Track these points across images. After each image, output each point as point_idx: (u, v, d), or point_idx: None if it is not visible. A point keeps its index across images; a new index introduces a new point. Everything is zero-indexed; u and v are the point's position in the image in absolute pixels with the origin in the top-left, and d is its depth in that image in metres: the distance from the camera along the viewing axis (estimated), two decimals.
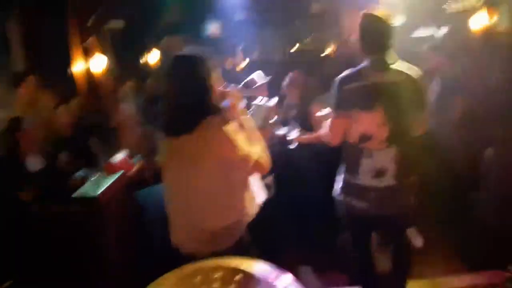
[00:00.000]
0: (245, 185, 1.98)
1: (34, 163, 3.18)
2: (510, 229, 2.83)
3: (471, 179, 3.38)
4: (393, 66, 2.10)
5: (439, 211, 3.34)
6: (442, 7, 6.60)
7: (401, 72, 2.11)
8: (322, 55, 9.64)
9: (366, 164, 2.05)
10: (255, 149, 1.96)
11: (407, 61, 4.65)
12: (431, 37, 8.04)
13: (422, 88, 2.15)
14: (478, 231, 3.11)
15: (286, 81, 3.69)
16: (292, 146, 3.38)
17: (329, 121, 2.19)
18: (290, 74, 3.70)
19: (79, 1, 5.18)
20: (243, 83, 3.12)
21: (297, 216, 3.44)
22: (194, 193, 1.89)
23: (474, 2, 5.65)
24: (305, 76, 3.70)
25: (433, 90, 3.90)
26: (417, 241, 3.38)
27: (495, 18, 5.36)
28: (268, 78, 3.15)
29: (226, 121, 1.88)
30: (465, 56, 5.08)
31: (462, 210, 3.32)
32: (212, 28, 9.74)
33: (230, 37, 10.90)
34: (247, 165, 1.90)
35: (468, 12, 5.87)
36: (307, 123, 3.44)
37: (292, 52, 10.13)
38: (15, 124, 3.24)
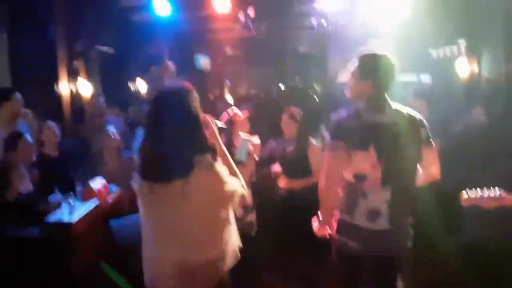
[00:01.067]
0: (228, 220, 1.92)
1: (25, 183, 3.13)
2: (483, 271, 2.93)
3: (451, 222, 3.41)
4: (390, 107, 2.03)
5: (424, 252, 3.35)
6: (429, 51, 6.90)
7: (398, 112, 2.03)
8: (311, 93, 9.87)
9: (362, 205, 2.00)
10: (237, 182, 1.91)
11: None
12: (416, 82, 8.39)
13: (421, 127, 2.05)
14: (456, 272, 3.14)
15: (284, 116, 3.67)
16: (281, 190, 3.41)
17: (324, 160, 2.13)
18: (288, 110, 3.69)
19: (68, 24, 5.25)
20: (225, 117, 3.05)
21: (280, 253, 3.39)
22: (180, 228, 1.80)
23: (456, 50, 5.93)
24: (301, 113, 3.71)
25: None
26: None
27: (476, 65, 5.61)
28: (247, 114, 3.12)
29: (215, 158, 1.81)
30: (447, 100, 5.30)
31: (446, 250, 3.34)
32: (202, 61, 9.95)
33: (219, 71, 11.19)
34: (232, 201, 1.86)
35: (451, 59, 6.14)
36: (304, 159, 3.48)
37: (281, 90, 10.33)
38: (16, 138, 3.16)
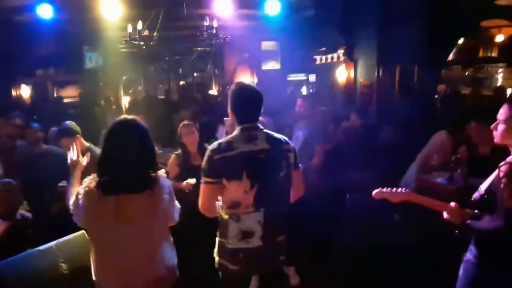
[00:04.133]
0: (169, 236, 2.15)
1: None
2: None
3: (337, 222, 3.74)
4: (262, 135, 2.09)
5: (309, 252, 3.63)
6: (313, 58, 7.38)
7: (269, 140, 2.10)
8: (210, 93, 9.92)
9: (233, 228, 2.06)
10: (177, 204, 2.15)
11: (283, 105, 5.12)
12: (304, 80, 8.95)
13: (290, 152, 2.17)
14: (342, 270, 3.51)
15: (183, 133, 3.56)
16: None
17: (201, 191, 2.17)
18: (184, 128, 3.58)
19: None
20: None
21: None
22: (137, 246, 1.98)
23: (336, 57, 6.44)
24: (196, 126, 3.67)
25: (299, 137, 4.23)
26: (294, 278, 3.63)
27: (352, 71, 6.17)
28: None
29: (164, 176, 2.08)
30: (329, 103, 5.75)
31: (330, 250, 3.68)
32: (93, 60, 9.39)
33: (112, 69, 10.62)
34: (176, 216, 2.10)
35: (332, 64, 6.66)
36: None
37: (179, 90, 10.14)
38: None
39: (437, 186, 3.56)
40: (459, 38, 8.18)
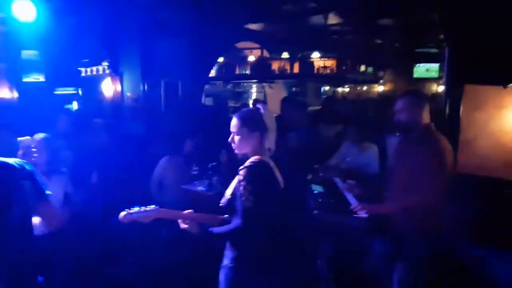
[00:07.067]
0: None
1: None
2: None
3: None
4: None
5: None
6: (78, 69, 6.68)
7: None
8: None
9: None
10: None
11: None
12: (73, 94, 8.04)
13: (23, 179, 1.69)
14: None
15: None
16: None
17: None
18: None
19: None
20: None
21: None
22: None
23: (101, 70, 5.98)
24: None
25: (68, 159, 3.62)
26: None
27: (119, 85, 5.81)
28: None
29: None
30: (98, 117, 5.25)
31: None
32: None
33: None
34: None
35: (98, 77, 6.16)
36: None
37: None
38: None
39: (198, 195, 3.55)
40: (219, 56, 8.95)
